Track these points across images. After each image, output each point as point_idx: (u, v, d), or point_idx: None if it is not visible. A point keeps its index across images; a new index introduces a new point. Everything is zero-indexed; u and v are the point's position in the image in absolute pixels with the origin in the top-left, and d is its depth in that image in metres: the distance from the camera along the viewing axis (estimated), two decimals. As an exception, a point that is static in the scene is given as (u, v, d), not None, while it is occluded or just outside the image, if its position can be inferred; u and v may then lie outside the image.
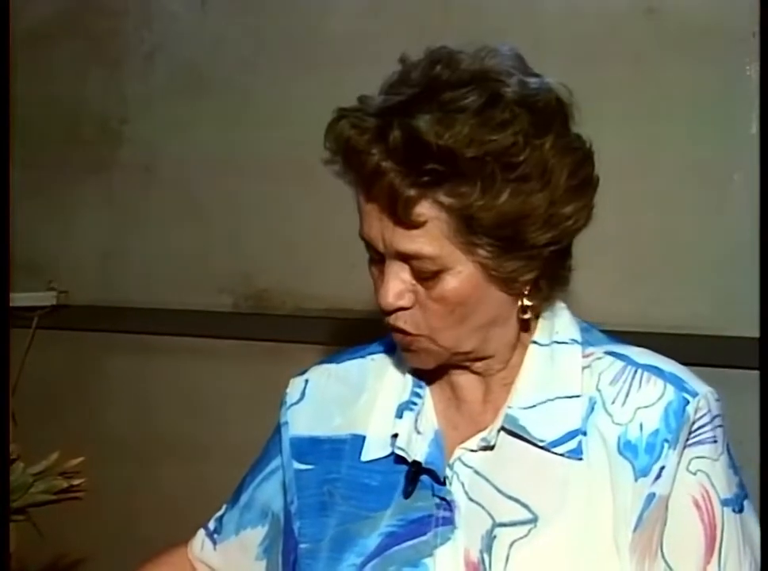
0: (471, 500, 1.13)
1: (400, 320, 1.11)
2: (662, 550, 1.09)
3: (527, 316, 1.14)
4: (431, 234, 1.06)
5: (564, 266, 1.15)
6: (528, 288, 1.12)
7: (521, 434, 1.13)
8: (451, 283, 1.08)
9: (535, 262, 1.10)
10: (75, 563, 2.25)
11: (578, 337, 1.17)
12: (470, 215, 1.05)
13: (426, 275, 1.08)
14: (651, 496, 1.09)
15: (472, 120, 1.04)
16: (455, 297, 1.09)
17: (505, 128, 1.05)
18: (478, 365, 1.16)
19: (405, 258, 1.08)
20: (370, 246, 1.11)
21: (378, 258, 1.11)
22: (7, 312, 1.45)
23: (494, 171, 1.04)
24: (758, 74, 1.50)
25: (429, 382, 1.21)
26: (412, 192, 1.04)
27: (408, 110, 1.05)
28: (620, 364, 1.14)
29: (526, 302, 1.12)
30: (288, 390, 1.29)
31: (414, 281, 1.10)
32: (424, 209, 1.05)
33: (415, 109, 1.05)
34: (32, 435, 2.08)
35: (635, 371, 1.13)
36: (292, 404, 1.28)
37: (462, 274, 1.08)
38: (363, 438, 1.20)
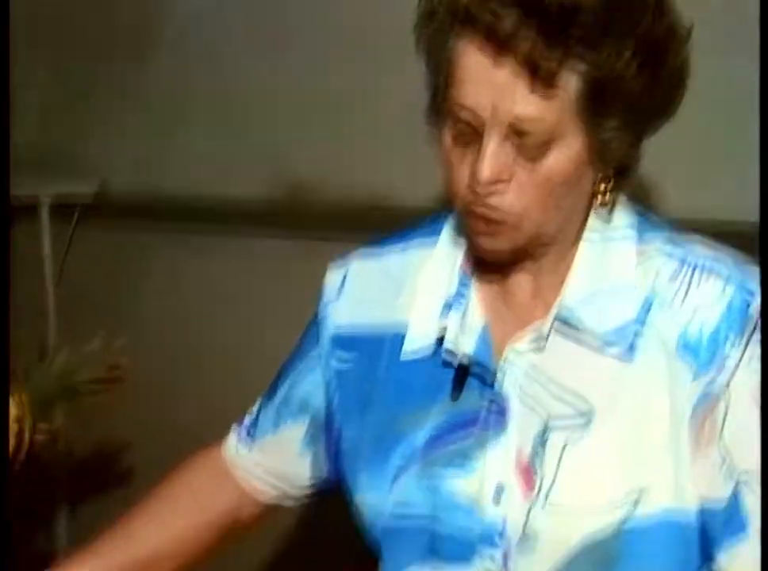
0: (523, 399, 1.11)
1: (494, 197, 1.05)
2: (721, 444, 1.07)
3: (605, 210, 1.11)
4: (558, 100, 1.01)
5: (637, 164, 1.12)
6: (609, 182, 1.10)
7: (576, 325, 1.10)
8: (558, 158, 1.04)
9: (635, 150, 1.08)
10: (121, 447, 2.29)
11: (633, 231, 1.13)
12: (605, 84, 1.01)
13: (533, 149, 1.03)
14: (709, 392, 1.07)
15: None
16: (559, 174, 1.04)
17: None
18: (531, 262, 1.12)
19: (518, 124, 1.02)
20: (462, 120, 1.05)
21: (467, 137, 1.05)
22: (8, 292, 1.45)
23: (631, 43, 1.01)
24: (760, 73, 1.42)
25: (476, 276, 1.16)
26: (554, 54, 0.99)
27: None
28: (676, 261, 1.11)
29: (607, 197, 1.10)
30: (326, 282, 1.25)
31: (515, 156, 1.04)
32: (562, 73, 1.00)
33: None
34: (72, 331, 2.13)
35: (694, 269, 1.10)
36: (330, 300, 1.24)
37: (571, 150, 1.04)
38: (404, 336, 1.17)
